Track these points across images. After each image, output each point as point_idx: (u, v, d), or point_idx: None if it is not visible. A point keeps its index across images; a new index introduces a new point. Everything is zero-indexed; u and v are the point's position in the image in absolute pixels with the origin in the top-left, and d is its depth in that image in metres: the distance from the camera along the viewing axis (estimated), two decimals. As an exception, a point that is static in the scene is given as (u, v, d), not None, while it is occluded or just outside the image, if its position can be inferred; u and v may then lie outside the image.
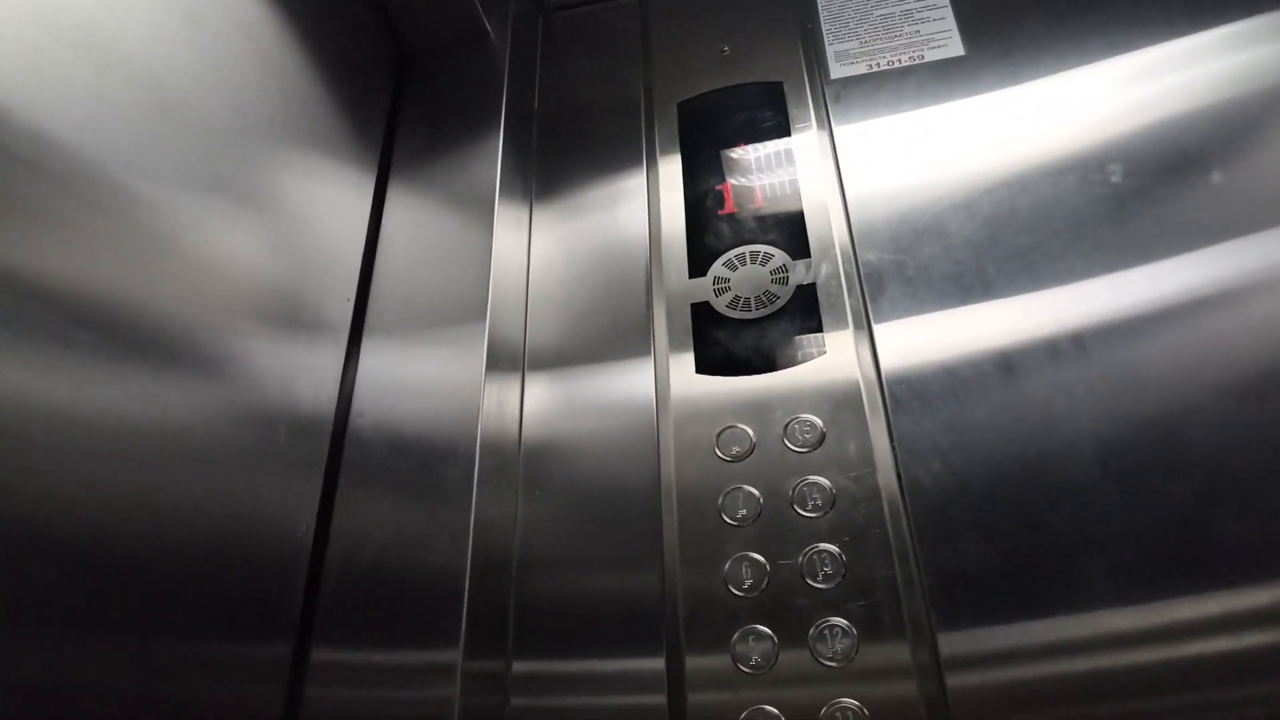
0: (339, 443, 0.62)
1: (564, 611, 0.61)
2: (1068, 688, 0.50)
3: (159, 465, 0.45)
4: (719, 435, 0.65)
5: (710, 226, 0.77)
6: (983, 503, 0.56)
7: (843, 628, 0.56)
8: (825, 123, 0.77)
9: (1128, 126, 0.68)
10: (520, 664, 0.59)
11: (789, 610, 0.58)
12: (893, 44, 0.79)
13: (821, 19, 0.84)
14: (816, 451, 0.63)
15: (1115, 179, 0.66)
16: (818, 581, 0.58)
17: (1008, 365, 0.60)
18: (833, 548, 0.59)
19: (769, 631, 0.57)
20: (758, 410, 0.65)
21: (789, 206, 0.75)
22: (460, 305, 0.66)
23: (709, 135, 0.82)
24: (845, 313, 0.68)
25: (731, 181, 0.79)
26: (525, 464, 0.66)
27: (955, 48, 0.77)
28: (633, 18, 0.92)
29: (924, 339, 0.63)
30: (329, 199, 0.66)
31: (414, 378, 0.64)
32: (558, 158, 0.83)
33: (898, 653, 0.55)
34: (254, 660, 0.52)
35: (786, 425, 0.64)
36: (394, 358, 0.65)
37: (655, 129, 0.84)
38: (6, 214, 0.38)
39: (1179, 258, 0.61)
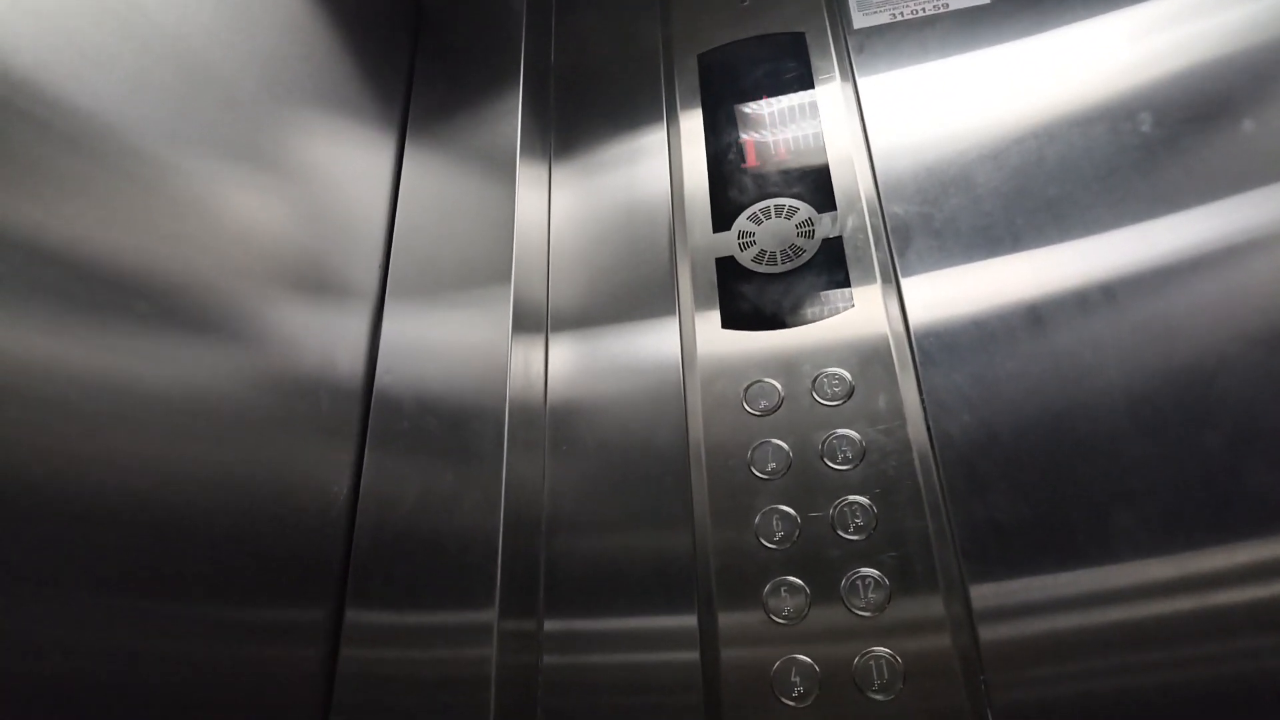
0: (367, 406, 0.62)
1: (594, 569, 0.61)
2: (1101, 638, 0.51)
3: (209, 435, 0.46)
4: (746, 390, 0.65)
5: (734, 180, 0.76)
6: (1013, 455, 0.56)
7: (875, 578, 0.56)
8: (849, 74, 0.76)
9: (1157, 73, 0.67)
10: (551, 622, 0.59)
11: (820, 561, 0.58)
12: (917, -8, 0.78)
13: (842, -32, 0.82)
14: (846, 405, 0.62)
15: (1145, 128, 0.64)
16: (849, 533, 0.58)
17: (1037, 317, 0.60)
18: (863, 500, 0.59)
19: (800, 583, 0.57)
20: (786, 365, 0.65)
21: (813, 160, 0.74)
22: (484, 266, 0.65)
23: (730, 88, 0.81)
24: (873, 266, 0.68)
25: (754, 135, 0.78)
26: (551, 424, 0.66)
27: (980, -5, 0.75)
28: (649, -31, 0.90)
29: (952, 292, 0.62)
30: (353, 161, 0.65)
31: (439, 340, 0.63)
32: (576, 113, 0.82)
33: (931, 604, 0.55)
34: (296, 622, 0.52)
35: (815, 379, 0.64)
36: (418, 319, 0.65)
37: (675, 82, 0.82)
38: (46, 186, 0.38)
39: (1209, 206, 0.61)
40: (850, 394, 0.63)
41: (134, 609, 0.40)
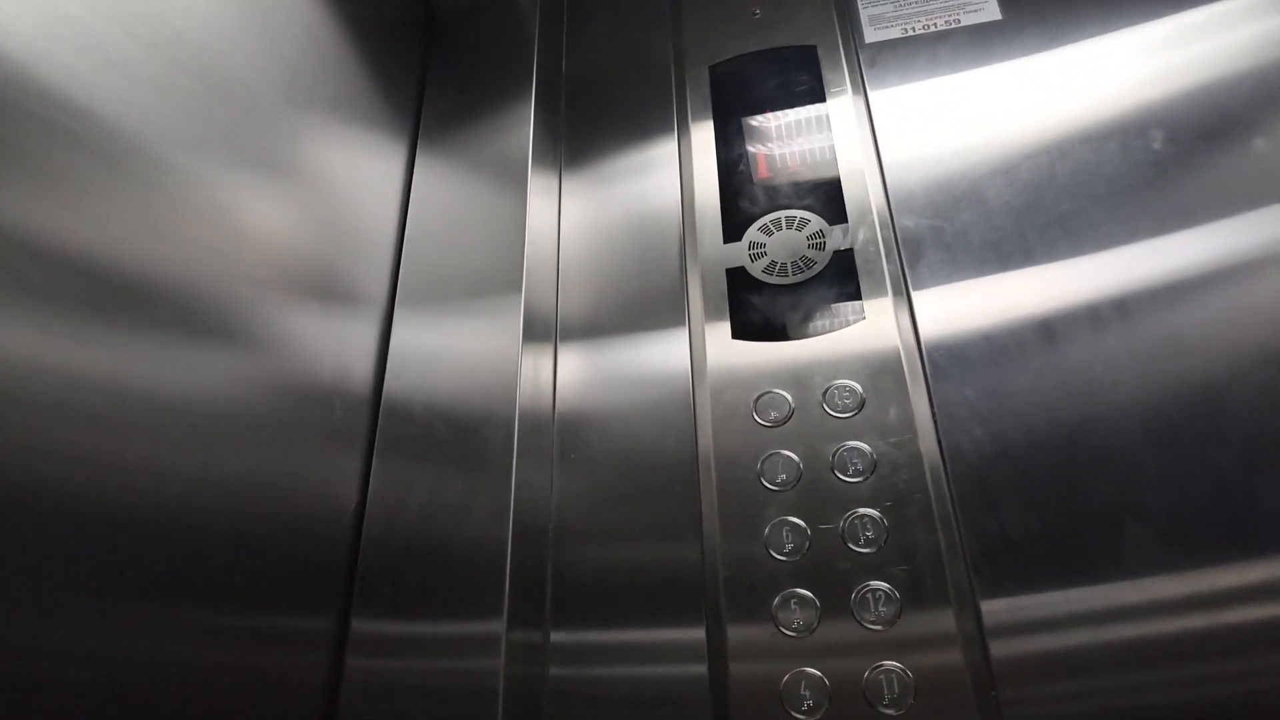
0: (375, 413, 0.62)
1: (602, 580, 0.60)
2: (1113, 655, 0.50)
3: (224, 441, 0.46)
4: (756, 401, 0.65)
5: (744, 192, 0.76)
6: (1025, 469, 0.56)
7: (885, 591, 0.56)
8: (860, 87, 0.76)
9: (1169, 90, 0.67)
10: (558, 634, 0.59)
11: (830, 574, 0.57)
12: (928, 8, 0.78)
13: (854, -18, 0.82)
14: (856, 417, 0.62)
15: (1156, 145, 0.65)
16: (859, 546, 0.58)
17: (1048, 332, 0.60)
18: (874, 512, 0.59)
19: (810, 595, 0.57)
20: (796, 376, 0.65)
21: (825, 172, 0.75)
22: (495, 275, 0.65)
23: (741, 100, 0.81)
24: (884, 278, 0.68)
25: (765, 147, 0.78)
26: (560, 434, 0.66)
27: (992, 12, 0.76)
28: (661, -22, 0.90)
29: (963, 305, 0.62)
30: (365, 168, 0.66)
31: (449, 348, 0.63)
32: (587, 124, 0.82)
33: (942, 619, 0.55)
34: (301, 631, 0.52)
35: (826, 391, 0.64)
36: (428, 328, 0.65)
37: (686, 93, 0.82)
38: (74, 194, 0.38)
39: (1221, 223, 0.61)
40: (861, 406, 0.62)
41: (142, 615, 0.40)
